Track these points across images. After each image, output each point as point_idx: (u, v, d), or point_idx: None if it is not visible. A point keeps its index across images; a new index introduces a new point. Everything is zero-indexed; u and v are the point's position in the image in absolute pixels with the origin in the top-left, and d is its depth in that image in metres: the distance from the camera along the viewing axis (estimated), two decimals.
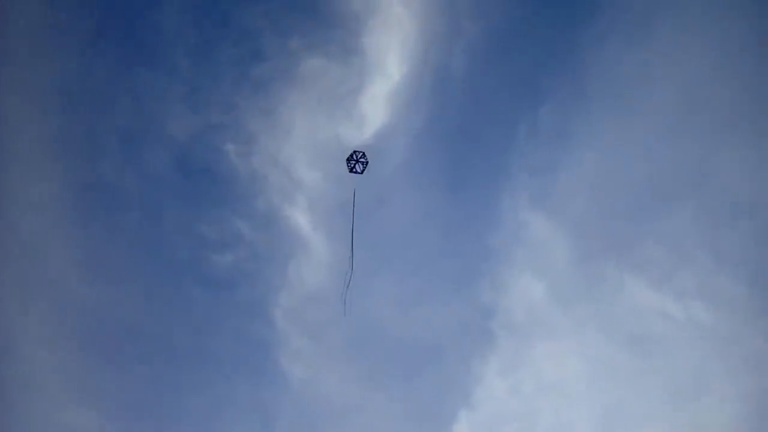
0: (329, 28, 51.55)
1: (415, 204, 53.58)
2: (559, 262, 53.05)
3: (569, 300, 52.62)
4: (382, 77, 52.36)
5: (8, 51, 48.02)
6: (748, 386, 48.50)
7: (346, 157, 38.33)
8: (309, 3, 51.82)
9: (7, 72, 48.15)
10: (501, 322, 52.85)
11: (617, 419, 51.10)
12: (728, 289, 50.94)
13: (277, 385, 51.09)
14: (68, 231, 50.64)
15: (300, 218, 52.49)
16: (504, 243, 53.33)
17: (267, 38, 51.44)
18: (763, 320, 49.21)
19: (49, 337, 49.41)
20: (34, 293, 49.81)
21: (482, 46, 52.95)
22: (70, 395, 49.00)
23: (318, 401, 50.89)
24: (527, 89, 54.19)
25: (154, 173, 51.84)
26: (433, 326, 53.09)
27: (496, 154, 53.57)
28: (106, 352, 50.47)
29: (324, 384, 51.40)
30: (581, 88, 53.01)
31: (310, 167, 52.54)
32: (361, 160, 38.13)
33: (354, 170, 38.32)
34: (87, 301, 50.42)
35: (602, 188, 53.17)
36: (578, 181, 52.88)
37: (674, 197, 52.63)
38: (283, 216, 52.46)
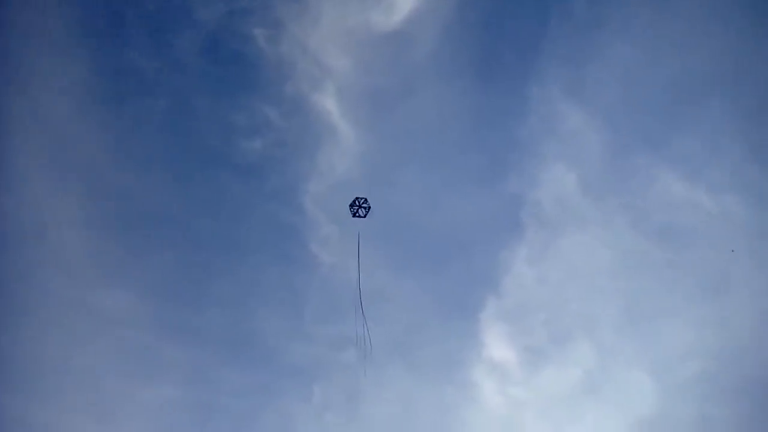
0: None
1: (444, 94, 53.12)
2: (590, 154, 52.74)
3: (600, 191, 52.47)
4: None
5: None
6: None
7: (349, 204, 39.97)
8: None
9: None
10: (530, 212, 52.88)
11: (643, 310, 51.44)
12: (760, 181, 50.51)
13: (307, 269, 51.62)
14: (99, 116, 51.05)
15: (328, 105, 52.28)
16: (535, 134, 52.99)
17: None
18: None
19: (81, 219, 50.30)
20: (65, 177, 50.52)
21: None
22: (101, 277, 50.13)
23: (346, 287, 51.14)
24: None
25: (182, 59, 51.78)
26: (462, 217, 53.21)
27: (527, 43, 52.85)
28: (137, 236, 51.33)
29: (354, 271, 51.75)
30: None
31: (339, 54, 52.15)
32: (364, 205, 39.86)
33: (357, 215, 40.02)
34: (118, 185, 51.17)
35: (636, 80, 52.54)
36: (612, 71, 52.23)
37: (708, 90, 51.98)
38: (312, 102, 52.30)
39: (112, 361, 48.72)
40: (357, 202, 39.72)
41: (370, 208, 39.81)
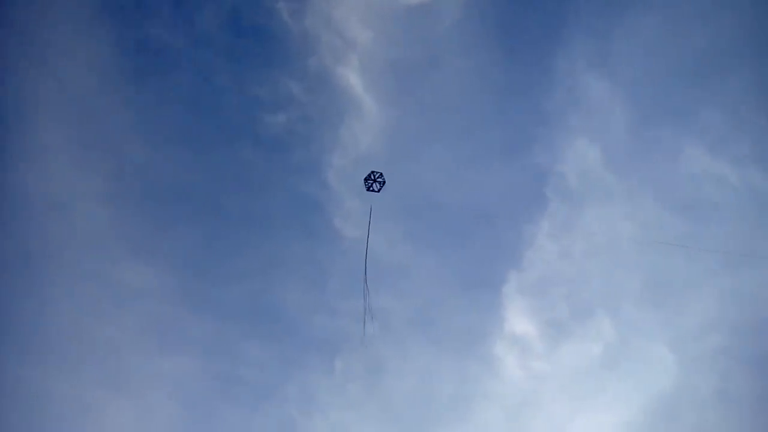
0: None
1: (468, 66, 52.77)
2: (614, 127, 52.40)
3: (624, 165, 52.23)
4: None
5: None
6: None
7: (364, 177, 39.48)
8: None
9: None
10: (554, 186, 52.75)
11: (665, 284, 51.49)
12: None
13: (330, 243, 51.67)
14: (122, 92, 50.71)
15: (352, 79, 52.06)
16: (559, 107, 52.57)
17: None
18: None
19: (106, 196, 50.27)
20: (89, 151, 50.43)
21: None
22: (124, 250, 50.21)
23: (370, 260, 51.43)
24: None
25: (205, 33, 51.43)
26: (485, 190, 53.15)
27: (553, 15, 52.30)
28: (160, 210, 51.35)
29: (376, 246, 51.78)
30: None
31: (362, 27, 51.77)
32: (379, 179, 39.29)
33: (371, 189, 39.51)
34: (141, 160, 50.91)
35: (661, 52, 51.92)
36: (637, 44, 51.72)
37: (732, 63, 51.42)
38: (336, 76, 52.08)
39: (135, 333, 49.18)
40: (372, 176, 39.30)
41: (385, 182, 39.37)
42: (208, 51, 51.68)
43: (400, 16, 51.93)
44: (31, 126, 48.35)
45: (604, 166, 52.28)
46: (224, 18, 51.48)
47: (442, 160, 52.96)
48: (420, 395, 50.27)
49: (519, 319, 52.10)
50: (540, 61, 52.64)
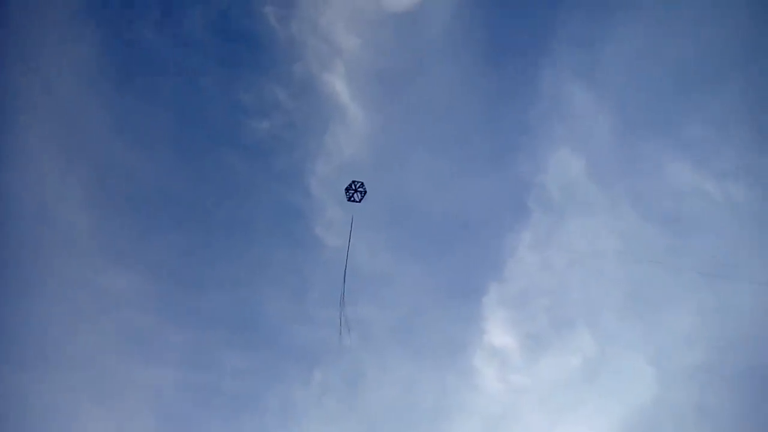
0: None
1: (453, 75, 52.59)
2: (598, 138, 52.40)
3: (606, 177, 52.25)
4: None
5: None
6: None
7: (345, 187, 39.79)
8: None
9: None
10: (536, 197, 52.74)
11: (645, 298, 51.49)
12: (766, 170, 50.29)
13: (312, 252, 51.54)
14: (105, 94, 50.37)
15: (338, 85, 51.87)
16: (543, 117, 52.64)
17: None
18: None
19: (87, 200, 49.87)
20: (71, 157, 49.96)
21: None
22: (105, 257, 49.75)
23: (352, 270, 51.25)
24: None
25: (191, 36, 51.13)
26: (468, 200, 53.03)
27: (538, 24, 52.23)
28: (143, 217, 50.97)
29: (358, 254, 51.58)
30: None
31: (349, 34, 51.58)
32: (360, 189, 39.60)
33: (352, 199, 39.80)
34: (123, 165, 50.59)
35: (646, 64, 51.97)
36: (622, 55, 51.68)
37: (718, 76, 51.45)
38: (322, 83, 51.91)
39: (114, 341, 48.91)
40: (353, 186, 39.48)
41: (366, 192, 39.53)
42: (194, 54, 51.46)
43: (386, 24, 51.88)
44: (13, 128, 47.89)
45: (587, 177, 52.45)
46: (211, 21, 51.31)
47: (426, 168, 53.00)
48: (399, 407, 50.22)
49: (499, 331, 52.20)
50: (525, 69, 52.71)
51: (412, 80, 52.66)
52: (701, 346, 49.42)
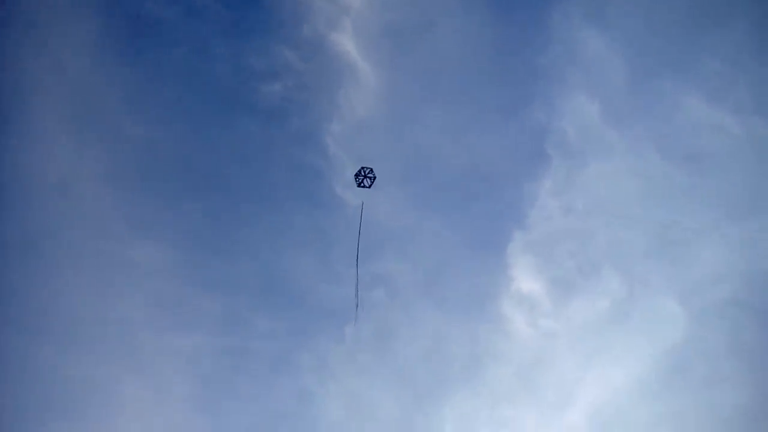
0: None
1: (463, 26, 52.31)
2: (613, 81, 51.96)
3: (624, 119, 51.92)
4: None
5: None
6: None
7: (354, 173, 39.65)
8: None
9: None
10: (554, 143, 52.55)
11: (670, 237, 51.17)
12: None
13: (333, 211, 51.57)
14: (116, 66, 50.52)
15: (347, 44, 51.76)
16: (556, 62, 52.31)
17: None
18: None
19: (107, 175, 50.13)
20: (88, 133, 50.24)
21: None
22: (133, 231, 50.15)
23: (374, 226, 51.27)
24: None
25: (198, 4, 51.25)
26: (486, 151, 52.92)
27: None
28: (162, 187, 51.19)
29: (380, 209, 51.58)
30: None
31: None
32: (369, 175, 39.57)
33: (362, 185, 39.79)
34: (140, 137, 50.78)
35: (658, 2, 51.25)
36: None
37: (731, 10, 50.72)
38: (330, 43, 51.80)
39: (145, 311, 49.24)
40: (362, 172, 39.52)
41: (375, 177, 39.59)
42: (202, 22, 51.53)
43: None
44: (28, 107, 48.25)
45: (604, 119, 52.13)
46: None
47: (442, 122, 52.85)
48: (430, 358, 50.49)
49: (526, 278, 52.19)
50: (535, 16, 52.27)
51: (421, 34, 52.54)
52: (730, 282, 49.27)
